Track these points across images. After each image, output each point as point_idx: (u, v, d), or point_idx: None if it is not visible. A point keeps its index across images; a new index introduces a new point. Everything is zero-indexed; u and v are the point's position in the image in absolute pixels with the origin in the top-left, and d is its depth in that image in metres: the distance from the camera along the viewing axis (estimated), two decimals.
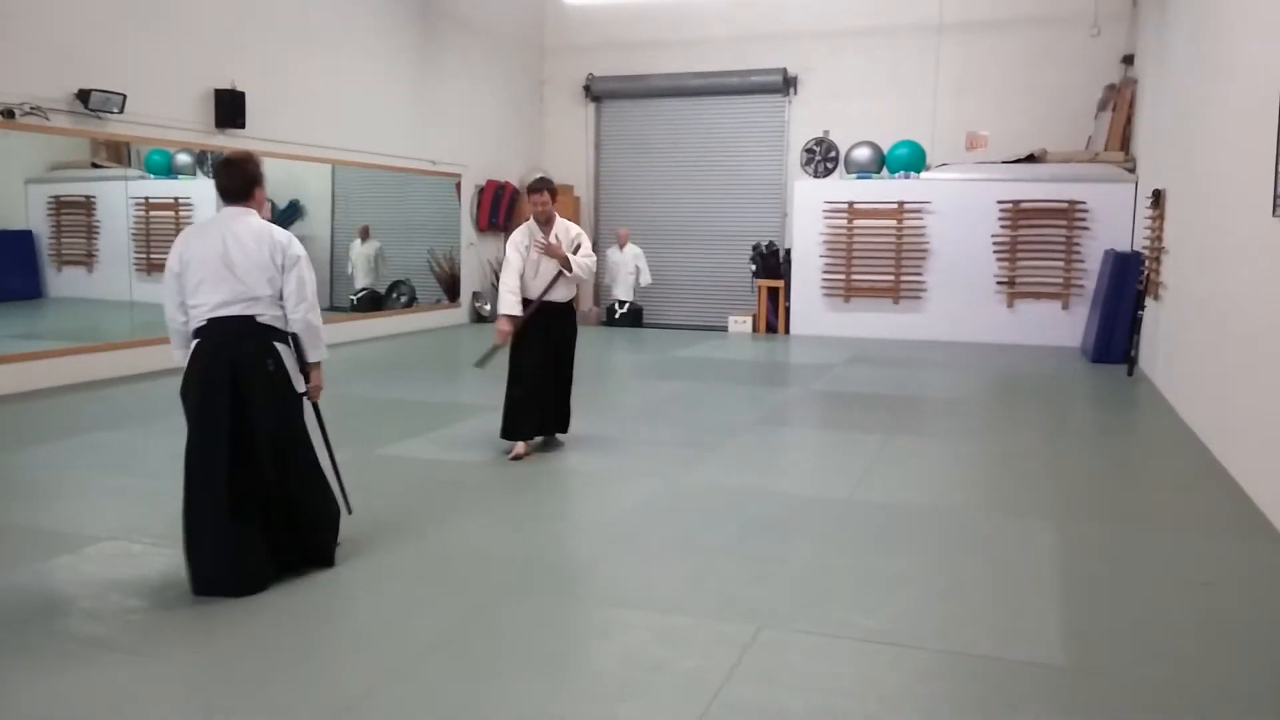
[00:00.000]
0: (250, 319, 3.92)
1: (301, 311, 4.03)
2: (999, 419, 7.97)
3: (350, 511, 4.48)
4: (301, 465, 4.11)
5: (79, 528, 4.72)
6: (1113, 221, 12.40)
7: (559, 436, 6.59)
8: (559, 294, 6.34)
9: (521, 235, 6.31)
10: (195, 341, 3.94)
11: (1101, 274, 11.84)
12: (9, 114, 8.08)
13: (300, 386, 4.09)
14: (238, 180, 4.08)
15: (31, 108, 8.26)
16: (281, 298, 4.01)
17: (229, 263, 3.90)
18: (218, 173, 4.13)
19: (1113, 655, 3.48)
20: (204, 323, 3.92)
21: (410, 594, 3.98)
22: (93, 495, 5.40)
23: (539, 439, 6.49)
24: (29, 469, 5.92)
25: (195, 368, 3.92)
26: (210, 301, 3.90)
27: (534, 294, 6.28)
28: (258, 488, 3.93)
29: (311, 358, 4.14)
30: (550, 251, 6.21)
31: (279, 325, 4.01)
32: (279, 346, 4.00)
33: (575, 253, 6.30)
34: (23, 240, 9.18)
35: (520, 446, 6.31)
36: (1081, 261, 12.66)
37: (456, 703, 3.06)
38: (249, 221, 4.02)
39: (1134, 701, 3.15)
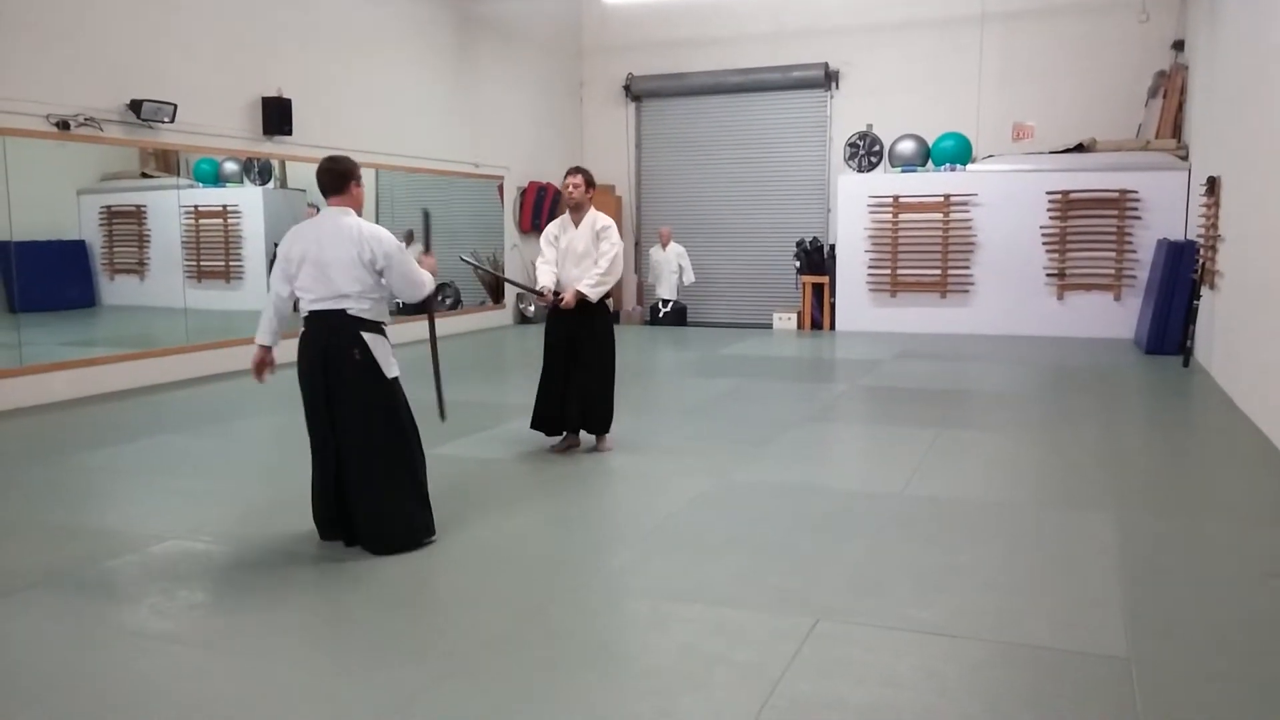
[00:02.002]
0: (341, 312, 4.32)
1: (418, 297, 4.58)
2: (1053, 412, 7.85)
3: (444, 419, 4.92)
4: (379, 451, 4.37)
5: (143, 528, 4.81)
6: (1165, 210, 12.17)
7: (606, 438, 6.56)
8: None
9: (553, 229, 6.39)
10: (301, 331, 4.41)
11: (1155, 264, 11.64)
12: (64, 126, 8.27)
13: (391, 372, 4.42)
14: (332, 175, 4.45)
15: (86, 119, 8.45)
16: (379, 289, 4.39)
17: (321, 263, 4.31)
18: (319, 172, 4.48)
19: (1175, 647, 3.42)
20: (307, 314, 4.39)
21: (466, 592, 4.02)
22: (155, 496, 5.50)
23: (579, 438, 6.50)
24: (92, 472, 6.05)
25: (301, 358, 4.40)
26: (308, 296, 4.37)
27: (569, 284, 6.31)
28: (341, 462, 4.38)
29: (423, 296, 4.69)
30: (565, 306, 6.21)
31: (368, 316, 4.37)
32: (367, 336, 4.35)
33: (598, 240, 6.27)
34: (76, 250, 9.38)
35: (553, 441, 6.44)
36: (1134, 251, 12.43)
37: (515, 699, 3.08)
38: (342, 222, 4.38)
39: (1197, 693, 3.09)
